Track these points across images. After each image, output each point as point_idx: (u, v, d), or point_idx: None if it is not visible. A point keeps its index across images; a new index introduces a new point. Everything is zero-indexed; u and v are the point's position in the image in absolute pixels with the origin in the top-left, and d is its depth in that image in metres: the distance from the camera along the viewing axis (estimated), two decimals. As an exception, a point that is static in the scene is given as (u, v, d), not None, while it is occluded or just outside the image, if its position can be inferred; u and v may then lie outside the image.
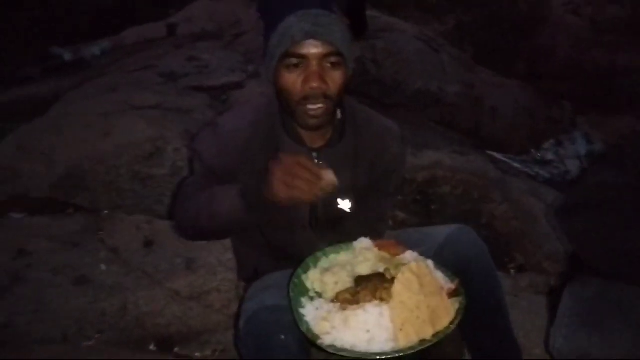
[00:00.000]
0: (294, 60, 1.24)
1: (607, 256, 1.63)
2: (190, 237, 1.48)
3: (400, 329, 1.09)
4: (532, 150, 4.03)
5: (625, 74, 5.23)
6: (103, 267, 2.11)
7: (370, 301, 1.13)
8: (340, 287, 1.21)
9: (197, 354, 1.90)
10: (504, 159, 3.66)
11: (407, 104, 4.13)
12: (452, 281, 1.24)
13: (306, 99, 1.26)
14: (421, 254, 1.30)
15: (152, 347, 1.90)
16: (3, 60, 5.15)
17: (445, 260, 1.34)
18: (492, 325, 1.43)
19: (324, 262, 1.31)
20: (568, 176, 3.66)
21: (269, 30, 1.27)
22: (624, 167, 1.66)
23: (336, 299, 1.18)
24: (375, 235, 1.40)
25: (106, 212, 2.50)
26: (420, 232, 1.58)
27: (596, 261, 1.66)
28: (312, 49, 1.23)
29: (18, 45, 5.64)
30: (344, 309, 1.13)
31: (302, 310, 1.17)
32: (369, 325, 1.09)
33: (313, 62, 1.24)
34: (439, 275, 1.24)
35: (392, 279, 1.15)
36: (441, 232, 1.47)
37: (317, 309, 1.17)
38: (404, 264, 1.21)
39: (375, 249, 1.32)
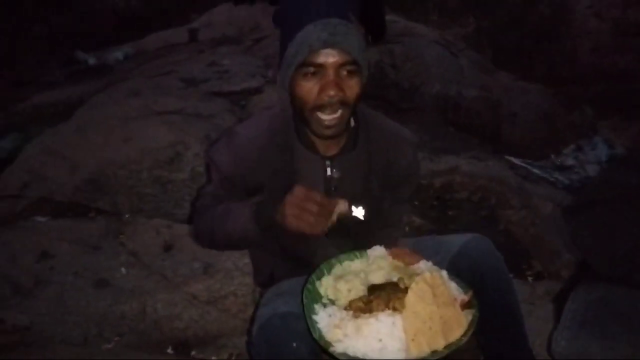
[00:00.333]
0: (311, 69, 1.25)
1: (609, 254, 1.64)
2: (207, 248, 1.51)
3: (412, 339, 1.09)
4: (552, 156, 3.99)
5: (647, 78, 5.14)
6: (123, 270, 2.16)
7: (383, 310, 1.14)
8: (353, 295, 1.22)
9: (214, 358, 1.93)
10: (523, 164, 3.63)
11: (425, 109, 4.13)
12: (466, 292, 1.24)
13: (321, 107, 1.27)
14: (436, 263, 1.31)
15: (169, 351, 1.93)
16: (29, 65, 5.27)
17: (459, 269, 1.35)
18: (507, 336, 1.42)
19: (337, 269, 1.33)
20: (588, 182, 3.61)
21: (286, 39, 1.28)
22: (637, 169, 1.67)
23: (349, 306, 1.19)
24: (389, 242, 1.42)
25: (127, 215, 2.55)
26: (435, 240, 1.58)
27: (598, 259, 1.67)
28: (330, 57, 1.24)
29: (43, 51, 5.76)
30: (357, 317, 1.14)
31: (314, 317, 1.18)
32: (381, 335, 1.10)
33: (330, 71, 1.25)
34: (453, 286, 1.24)
35: (406, 289, 1.16)
36: (456, 241, 1.47)
37: (329, 316, 1.18)
38: (417, 274, 1.21)
39: (390, 258, 1.33)
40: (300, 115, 1.34)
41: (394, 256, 1.34)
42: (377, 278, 1.26)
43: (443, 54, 4.60)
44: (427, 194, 2.89)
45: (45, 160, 2.80)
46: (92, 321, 1.96)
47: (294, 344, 1.22)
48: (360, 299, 1.20)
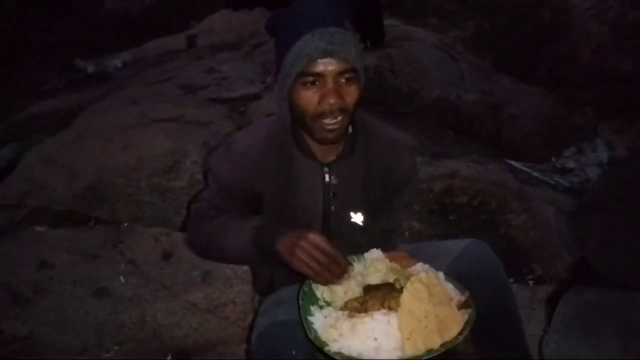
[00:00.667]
0: (310, 79, 1.25)
1: (611, 256, 1.65)
2: (201, 257, 1.51)
3: (408, 338, 1.09)
4: (553, 159, 3.97)
5: (648, 80, 5.13)
6: (122, 279, 2.15)
7: (378, 310, 1.14)
8: (349, 297, 1.22)
9: (214, 366, 1.93)
10: (523, 167, 3.61)
11: (424, 113, 4.12)
12: (463, 293, 1.24)
13: (322, 115, 1.28)
14: (434, 268, 1.30)
15: (169, 359, 1.93)
16: (28, 74, 5.28)
17: (458, 275, 1.34)
18: (506, 342, 1.41)
19: None
20: (589, 184, 3.60)
21: (283, 48, 1.28)
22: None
23: (345, 307, 1.20)
24: (388, 247, 1.41)
25: (126, 224, 2.54)
26: (433, 246, 1.58)
27: (599, 261, 1.69)
28: (329, 66, 1.24)
29: (42, 59, 5.77)
30: (352, 317, 1.14)
31: (310, 318, 1.19)
32: (376, 334, 1.10)
33: (329, 80, 1.25)
34: (450, 287, 1.24)
35: (401, 289, 1.16)
36: (455, 246, 1.47)
37: (325, 317, 1.19)
38: (414, 275, 1.21)
39: (387, 260, 1.33)
40: (301, 123, 1.34)
41: (391, 259, 1.33)
42: (374, 280, 1.26)
43: (442, 58, 4.59)
44: (426, 198, 2.88)
45: (44, 170, 2.80)
46: (91, 330, 1.96)
47: (293, 352, 1.22)
48: (356, 299, 1.21)
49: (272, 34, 1.37)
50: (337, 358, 1.09)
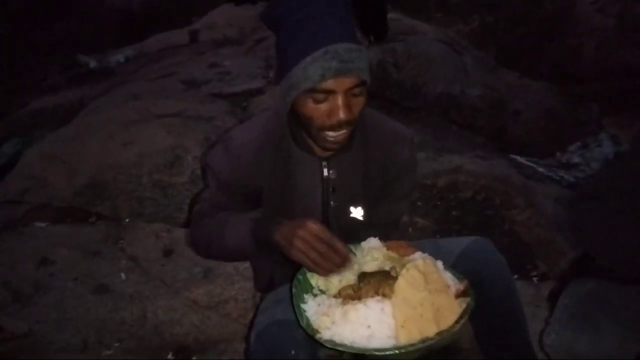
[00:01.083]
0: (321, 96, 1.21)
1: (609, 246, 1.67)
2: (204, 257, 1.49)
3: (402, 326, 1.06)
4: (557, 154, 3.94)
5: (653, 74, 5.09)
6: (123, 276, 2.14)
7: (372, 297, 1.11)
8: (344, 285, 1.20)
9: (214, 363, 1.91)
10: (527, 163, 3.59)
11: (428, 108, 4.09)
12: (462, 282, 1.21)
13: (330, 128, 1.25)
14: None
15: (170, 356, 1.92)
16: (30, 70, 5.27)
17: (462, 273, 1.32)
18: (510, 342, 1.39)
19: None
20: (594, 179, 3.57)
21: (288, 57, 1.23)
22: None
23: (338, 294, 1.17)
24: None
25: (127, 220, 2.53)
26: (436, 243, 1.56)
27: (598, 251, 1.71)
28: (340, 85, 1.20)
29: (45, 54, 5.76)
30: (345, 304, 1.12)
31: (303, 306, 1.16)
32: (369, 321, 1.07)
33: (340, 96, 1.21)
34: (448, 276, 1.22)
35: (397, 276, 1.13)
36: (458, 244, 1.45)
37: (319, 305, 1.16)
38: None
39: (384, 249, 1.30)
40: (307, 131, 1.32)
41: (389, 248, 1.31)
42: (370, 269, 1.23)
43: (446, 52, 4.55)
44: (430, 193, 2.85)
45: (45, 166, 2.79)
46: (92, 327, 1.95)
47: (293, 352, 1.20)
48: (350, 286, 1.18)
49: (272, 29, 1.32)
50: (328, 346, 1.06)
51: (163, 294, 2.05)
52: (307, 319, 1.13)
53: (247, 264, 2.06)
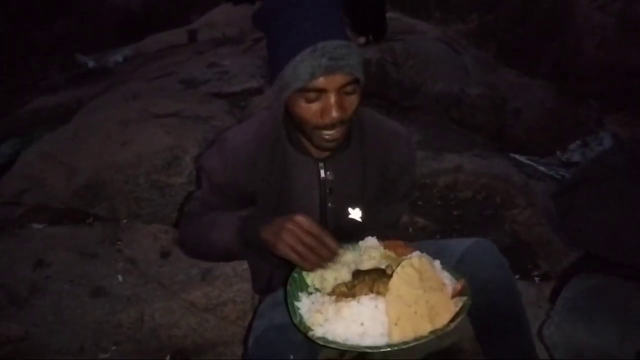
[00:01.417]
0: (312, 95, 1.19)
1: (592, 229, 1.69)
2: (192, 257, 1.47)
3: (395, 324, 1.04)
4: (558, 152, 3.94)
5: (653, 73, 5.08)
6: (120, 278, 2.12)
7: (366, 294, 1.09)
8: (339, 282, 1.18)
9: (213, 366, 1.90)
10: (528, 161, 3.58)
11: (427, 107, 4.08)
12: (459, 281, 1.19)
13: (324, 127, 1.22)
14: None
15: (167, 359, 1.90)
16: (28, 70, 5.26)
17: (463, 275, 1.30)
18: (512, 344, 1.37)
19: None
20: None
21: (279, 56, 1.21)
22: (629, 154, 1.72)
23: (332, 292, 1.15)
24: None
25: (125, 221, 2.51)
26: (437, 245, 1.53)
27: (578, 232, 1.74)
28: (331, 83, 1.17)
29: (44, 54, 5.75)
30: (339, 302, 1.10)
31: (297, 303, 1.14)
32: (362, 318, 1.05)
33: (332, 94, 1.19)
34: (445, 275, 1.19)
35: (392, 274, 1.11)
36: (459, 245, 1.42)
37: (313, 302, 1.14)
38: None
39: (381, 248, 1.28)
40: (301, 131, 1.29)
41: (387, 247, 1.29)
42: (367, 267, 1.21)
43: (445, 51, 4.55)
44: (431, 193, 2.84)
45: (42, 167, 2.78)
46: (88, 330, 1.93)
47: (291, 356, 1.18)
48: (344, 284, 1.15)
49: (263, 30, 1.30)
50: (320, 343, 1.05)
51: (160, 296, 2.04)
52: (300, 316, 1.11)
53: (245, 266, 2.04)
